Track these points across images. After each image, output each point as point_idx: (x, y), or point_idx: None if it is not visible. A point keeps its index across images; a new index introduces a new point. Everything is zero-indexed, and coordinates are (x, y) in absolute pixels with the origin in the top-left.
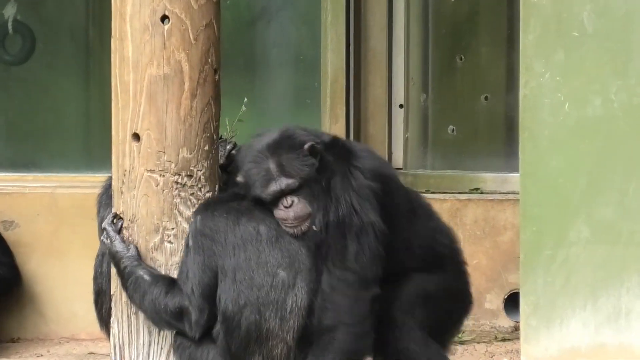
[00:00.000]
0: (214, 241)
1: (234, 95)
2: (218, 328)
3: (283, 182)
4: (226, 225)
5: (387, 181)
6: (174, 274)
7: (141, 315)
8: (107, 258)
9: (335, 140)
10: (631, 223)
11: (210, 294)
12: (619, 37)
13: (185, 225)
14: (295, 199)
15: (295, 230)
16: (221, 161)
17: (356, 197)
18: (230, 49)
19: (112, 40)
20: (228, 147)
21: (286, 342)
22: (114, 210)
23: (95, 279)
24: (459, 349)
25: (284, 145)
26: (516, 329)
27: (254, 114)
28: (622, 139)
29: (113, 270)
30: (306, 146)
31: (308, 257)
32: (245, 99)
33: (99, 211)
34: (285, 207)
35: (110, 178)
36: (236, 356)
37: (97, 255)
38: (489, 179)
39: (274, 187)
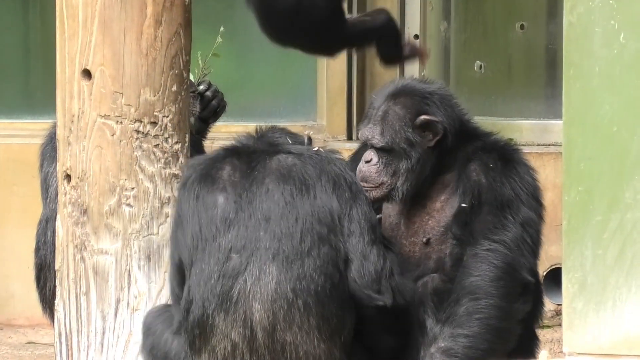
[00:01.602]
0: (179, 226)
1: (208, 23)
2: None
3: (371, 132)
4: (188, 202)
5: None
6: (134, 244)
7: (93, 296)
8: (52, 224)
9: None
10: None
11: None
12: None
13: (149, 185)
14: (375, 159)
15: (369, 194)
16: (193, 107)
17: (522, 186)
18: None
19: None
20: (201, 87)
21: (231, 339)
22: (59, 165)
23: (37, 250)
24: None
25: (406, 101)
26: (557, 313)
27: (233, 46)
28: None
29: (58, 239)
30: (422, 118)
31: (290, 230)
32: (222, 28)
33: (42, 165)
34: (365, 162)
35: (55, 125)
36: (191, 353)
37: (40, 221)
38: (526, 127)
39: (362, 129)
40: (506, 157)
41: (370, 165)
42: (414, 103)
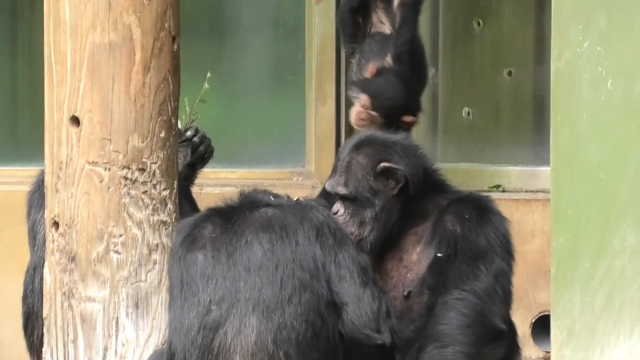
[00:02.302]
0: (169, 293)
1: (196, 69)
2: None
3: (336, 182)
4: (173, 266)
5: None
6: (122, 291)
7: (81, 344)
8: (40, 272)
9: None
10: None
11: None
12: None
13: (137, 231)
14: (342, 210)
15: None
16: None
17: (496, 238)
18: (193, 10)
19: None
20: (189, 133)
21: None
22: (47, 212)
23: (25, 298)
24: None
25: (367, 150)
26: None
27: (221, 92)
28: None
29: (46, 287)
30: (382, 165)
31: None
32: (209, 74)
33: (29, 213)
34: (332, 214)
35: (43, 172)
36: None
37: (28, 269)
38: (513, 173)
39: (329, 181)
40: (481, 207)
41: (337, 217)
42: (376, 152)
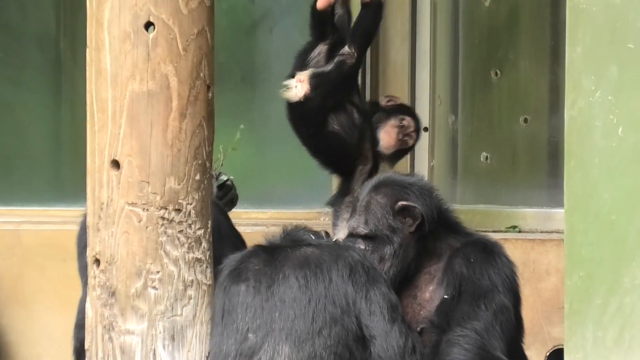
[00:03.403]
0: (214, 314)
1: (229, 115)
2: None
3: (356, 222)
4: (219, 296)
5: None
6: (159, 325)
7: None
8: None
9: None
10: None
11: None
12: None
13: (173, 268)
14: (362, 247)
15: None
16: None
17: (498, 277)
18: (226, 60)
19: (87, 50)
20: (223, 177)
21: None
22: (89, 250)
23: (77, 332)
24: None
25: (386, 191)
26: None
27: (252, 138)
28: None
29: (88, 320)
30: (400, 204)
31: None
32: (242, 126)
33: (80, 254)
34: None
35: (86, 213)
36: None
37: (80, 301)
38: (529, 215)
39: (349, 221)
40: (487, 250)
41: None
42: (394, 192)
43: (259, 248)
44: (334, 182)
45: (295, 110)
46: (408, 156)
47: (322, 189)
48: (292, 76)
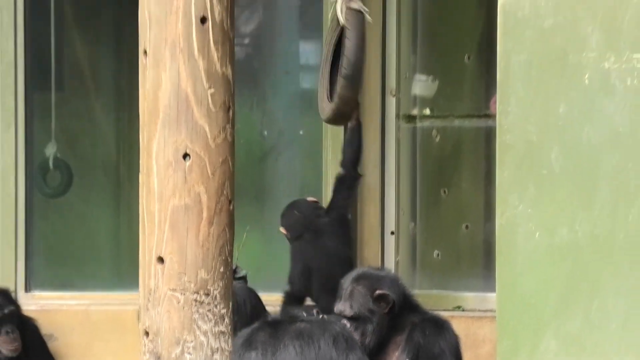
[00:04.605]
0: None
1: (244, 222)
2: None
3: (342, 306)
4: (234, 356)
5: None
6: None
7: None
8: None
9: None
10: (595, 336)
11: None
12: (582, 175)
13: (203, 339)
14: (348, 326)
15: None
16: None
17: (447, 345)
18: (243, 181)
19: (140, 175)
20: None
21: None
22: (140, 324)
23: None
24: None
25: (365, 282)
26: None
27: (261, 237)
28: (586, 263)
29: None
30: (377, 292)
31: None
32: (248, 227)
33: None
34: None
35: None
36: None
37: None
38: (470, 298)
39: (336, 305)
40: (438, 325)
41: None
42: (371, 283)
43: (264, 323)
44: None
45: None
46: (379, 253)
47: None
48: None
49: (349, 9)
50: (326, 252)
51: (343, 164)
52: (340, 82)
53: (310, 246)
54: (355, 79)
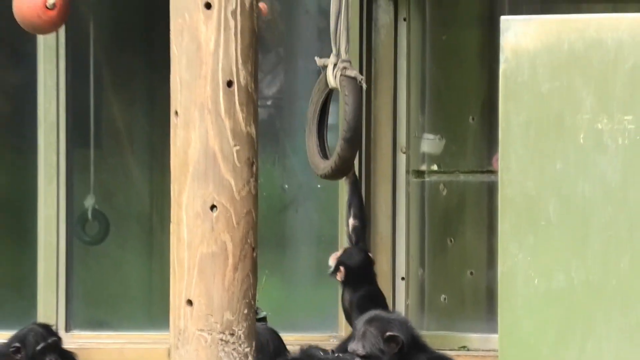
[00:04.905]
0: None
1: (266, 267)
2: None
3: (356, 346)
4: None
5: None
6: None
7: None
8: None
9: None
10: None
11: None
12: (577, 226)
13: None
14: None
15: None
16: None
17: None
18: (265, 231)
19: (171, 225)
20: (263, 313)
21: None
22: None
23: None
24: None
25: (376, 324)
26: None
27: (280, 282)
28: (580, 307)
29: None
30: (387, 334)
31: None
32: (267, 271)
33: None
34: None
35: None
36: None
37: None
38: (474, 338)
39: (350, 344)
40: None
41: None
42: (383, 325)
43: None
44: (340, 314)
45: None
46: (390, 297)
47: (330, 317)
48: None
49: (344, 76)
50: None
51: (354, 230)
52: (340, 144)
53: None
54: (355, 141)
